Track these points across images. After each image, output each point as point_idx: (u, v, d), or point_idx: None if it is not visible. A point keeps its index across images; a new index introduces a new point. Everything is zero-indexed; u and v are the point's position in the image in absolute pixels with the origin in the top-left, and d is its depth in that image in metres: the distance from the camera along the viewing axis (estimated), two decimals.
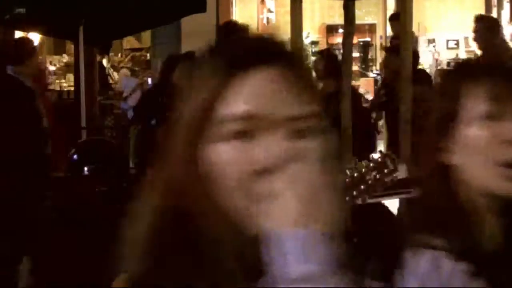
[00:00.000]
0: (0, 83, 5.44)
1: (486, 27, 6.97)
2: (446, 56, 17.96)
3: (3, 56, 6.02)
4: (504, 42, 7.21)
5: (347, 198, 2.30)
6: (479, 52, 10.78)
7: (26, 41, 6.51)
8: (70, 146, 5.04)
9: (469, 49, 18.05)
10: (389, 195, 4.89)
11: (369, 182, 2.30)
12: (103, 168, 4.81)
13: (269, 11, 14.09)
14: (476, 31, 7.16)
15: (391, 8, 14.20)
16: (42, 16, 6.75)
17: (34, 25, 7.37)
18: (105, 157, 4.95)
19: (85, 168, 4.77)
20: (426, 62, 16.51)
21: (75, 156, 4.88)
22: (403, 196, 4.99)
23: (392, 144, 6.92)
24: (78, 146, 5.05)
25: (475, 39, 7.19)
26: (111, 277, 2.55)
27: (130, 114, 7.82)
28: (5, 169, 4.98)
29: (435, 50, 17.52)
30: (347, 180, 2.32)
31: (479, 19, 7.24)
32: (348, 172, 2.32)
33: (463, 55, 18.26)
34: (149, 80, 9.73)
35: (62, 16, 6.69)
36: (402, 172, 4.97)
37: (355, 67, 7.65)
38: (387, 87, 7.14)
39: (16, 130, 5.04)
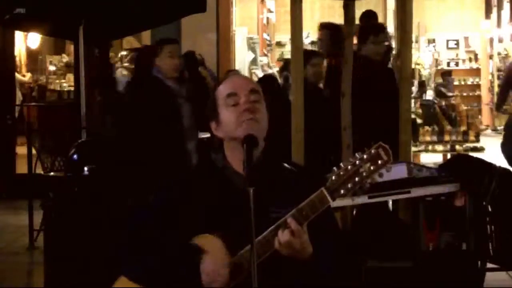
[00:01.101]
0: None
1: (329, 34, 6.92)
2: (446, 56, 17.98)
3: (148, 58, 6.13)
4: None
5: (342, 191, 2.31)
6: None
7: None
8: (70, 146, 5.05)
9: (469, 49, 18.06)
10: (389, 195, 4.90)
11: (364, 174, 2.30)
12: (103, 168, 4.81)
13: (269, 11, 14.10)
14: (319, 38, 7.19)
15: (391, 8, 14.21)
16: (42, 16, 6.75)
17: (34, 25, 7.38)
18: (105, 157, 4.95)
19: (85, 168, 4.78)
20: (426, 62, 16.54)
21: (75, 156, 4.89)
22: (403, 196, 5.00)
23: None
24: (78, 146, 5.05)
25: (320, 47, 7.15)
26: (112, 276, 2.56)
27: None
28: None
29: (435, 50, 17.53)
30: (341, 173, 2.31)
31: (323, 27, 7.17)
32: (342, 165, 2.32)
33: (463, 55, 18.26)
34: None
35: (62, 16, 6.69)
36: (402, 172, 4.98)
37: None
38: None
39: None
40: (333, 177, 2.32)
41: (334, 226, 2.56)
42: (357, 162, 2.30)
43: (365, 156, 2.29)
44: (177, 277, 2.40)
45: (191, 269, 2.36)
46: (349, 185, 2.31)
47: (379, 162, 2.28)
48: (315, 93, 6.18)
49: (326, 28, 7.11)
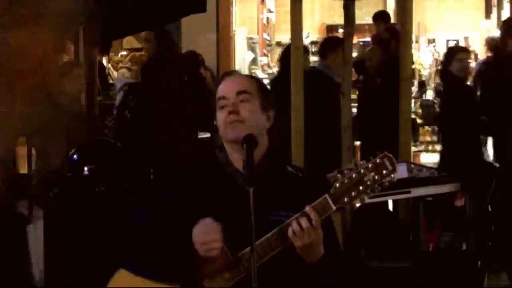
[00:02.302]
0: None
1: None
2: None
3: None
4: None
5: (345, 199, 2.32)
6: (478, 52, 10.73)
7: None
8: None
9: (469, 49, 18.04)
10: (389, 195, 4.90)
11: (368, 183, 2.30)
12: (103, 168, 4.81)
13: (269, 11, 14.10)
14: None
15: (391, 8, 14.19)
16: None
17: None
18: (105, 157, 4.95)
19: (85, 168, 4.78)
20: (426, 62, 16.52)
21: (75, 156, 4.89)
22: (403, 196, 5.00)
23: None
24: (78, 146, 5.05)
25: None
26: (110, 276, 2.56)
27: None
28: None
29: (435, 50, 17.52)
30: (345, 181, 2.31)
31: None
32: (346, 173, 2.32)
33: None
34: None
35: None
36: (402, 172, 4.97)
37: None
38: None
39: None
40: (337, 185, 2.32)
41: (334, 240, 2.55)
42: (362, 170, 2.30)
43: (370, 165, 2.30)
44: (175, 267, 2.40)
45: (188, 258, 2.36)
46: (353, 194, 2.31)
47: (384, 172, 2.29)
48: (461, 88, 6.19)
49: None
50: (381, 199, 4.84)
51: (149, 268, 2.45)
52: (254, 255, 2.25)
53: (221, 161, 2.54)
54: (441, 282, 4.81)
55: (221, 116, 2.50)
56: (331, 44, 6.62)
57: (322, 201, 2.32)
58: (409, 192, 4.84)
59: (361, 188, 2.30)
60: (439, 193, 4.96)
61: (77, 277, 4.53)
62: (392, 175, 2.29)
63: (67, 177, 4.88)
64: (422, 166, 5.17)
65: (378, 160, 2.29)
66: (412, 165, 5.04)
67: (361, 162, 2.31)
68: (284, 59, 6.51)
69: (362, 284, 4.66)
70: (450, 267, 4.87)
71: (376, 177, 2.29)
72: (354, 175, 2.30)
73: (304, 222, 2.29)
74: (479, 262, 4.99)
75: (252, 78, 2.66)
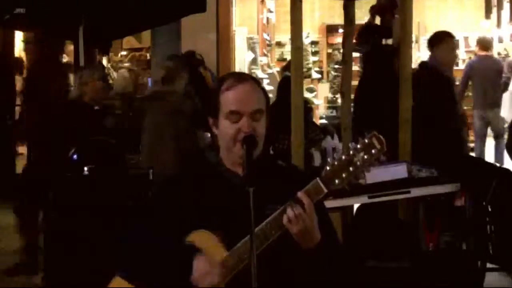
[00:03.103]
0: None
1: None
2: None
3: None
4: None
5: (336, 181, 2.31)
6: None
7: None
8: (70, 146, 5.04)
9: (469, 49, 18.05)
10: (389, 195, 4.90)
11: (358, 163, 2.29)
12: (103, 168, 4.81)
13: (269, 11, 14.07)
14: None
15: None
16: (42, 16, 6.74)
17: (34, 25, 7.37)
18: (105, 157, 4.95)
19: (85, 168, 4.78)
20: None
21: (75, 156, 4.89)
22: (403, 196, 5.00)
23: None
24: (78, 146, 5.05)
25: None
26: (109, 276, 2.56)
27: None
28: None
29: None
30: (336, 163, 2.31)
31: None
32: (335, 155, 2.32)
33: (463, 55, 18.27)
34: (149, 81, 9.71)
35: (62, 16, 6.68)
36: (402, 172, 4.97)
37: (355, 67, 7.64)
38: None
39: None
40: (327, 168, 2.32)
41: (328, 226, 2.55)
42: (351, 152, 2.30)
43: (358, 146, 2.29)
44: (171, 275, 2.40)
45: (185, 268, 2.37)
46: (344, 175, 2.31)
47: (373, 151, 2.28)
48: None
49: None
50: (381, 199, 4.84)
51: (143, 275, 2.45)
52: (254, 256, 2.24)
53: (212, 161, 2.54)
54: (441, 282, 4.80)
55: (230, 130, 2.47)
56: (440, 35, 6.52)
57: (314, 184, 2.33)
58: (409, 192, 4.83)
59: (351, 169, 2.29)
60: (439, 193, 4.95)
61: (77, 277, 4.53)
62: (381, 154, 2.29)
63: (67, 177, 4.88)
64: (422, 166, 5.17)
65: (366, 140, 2.29)
66: (412, 165, 5.04)
67: (350, 144, 2.31)
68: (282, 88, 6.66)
69: (362, 284, 4.65)
70: (450, 267, 4.86)
71: (366, 157, 2.28)
72: (343, 157, 2.30)
73: (297, 208, 2.30)
74: (479, 262, 4.98)
75: (260, 89, 2.59)
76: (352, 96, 6.42)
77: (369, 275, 4.77)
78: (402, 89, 5.40)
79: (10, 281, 6.08)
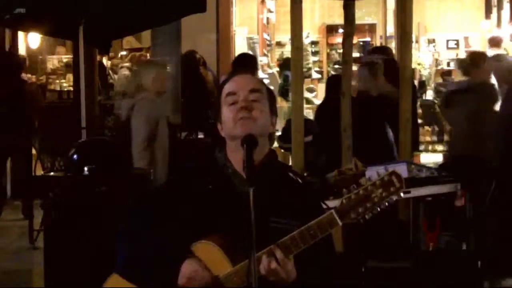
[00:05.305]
0: None
1: None
2: (446, 56, 17.95)
3: None
4: None
5: (352, 215, 2.29)
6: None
7: None
8: (70, 146, 5.04)
9: (469, 49, 18.04)
10: None
11: (375, 199, 2.28)
12: (103, 168, 4.81)
13: (269, 11, 14.07)
14: None
15: (391, 8, 14.17)
16: (42, 16, 6.74)
17: (34, 25, 7.37)
18: (105, 157, 4.95)
19: (85, 168, 4.77)
20: (426, 62, 16.50)
21: (75, 156, 4.88)
22: (403, 196, 4.99)
23: None
24: (78, 146, 5.05)
25: None
26: (107, 275, 2.56)
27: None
28: None
29: (435, 50, 17.49)
30: (352, 197, 2.30)
31: None
32: (352, 189, 2.30)
33: (463, 55, 18.25)
34: None
35: (62, 16, 6.68)
36: (402, 172, 4.97)
37: (355, 67, 7.62)
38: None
39: None
40: (344, 200, 2.31)
41: (331, 251, 2.54)
42: (369, 187, 2.29)
43: (377, 182, 2.28)
44: (160, 277, 2.39)
45: (173, 270, 2.36)
46: (360, 210, 2.30)
47: (391, 189, 2.28)
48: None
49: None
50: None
51: (142, 275, 2.44)
52: (254, 256, 2.24)
53: (220, 163, 2.53)
54: (441, 282, 4.80)
55: (230, 112, 2.46)
56: (475, 59, 6.62)
57: (328, 216, 2.31)
58: (409, 192, 4.83)
59: (368, 204, 2.28)
60: (439, 193, 4.95)
61: (77, 277, 4.53)
62: (399, 192, 2.28)
63: (67, 177, 4.88)
64: (422, 166, 5.17)
65: (385, 178, 2.28)
66: (412, 165, 5.04)
67: (369, 179, 2.30)
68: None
69: (362, 284, 4.65)
70: (450, 267, 4.86)
71: (384, 194, 2.27)
72: (361, 191, 2.29)
73: (272, 263, 2.28)
74: (479, 262, 4.98)
75: (260, 80, 2.63)
76: (352, 96, 6.40)
77: (369, 275, 4.77)
78: (402, 90, 5.40)
79: (11, 281, 6.09)
